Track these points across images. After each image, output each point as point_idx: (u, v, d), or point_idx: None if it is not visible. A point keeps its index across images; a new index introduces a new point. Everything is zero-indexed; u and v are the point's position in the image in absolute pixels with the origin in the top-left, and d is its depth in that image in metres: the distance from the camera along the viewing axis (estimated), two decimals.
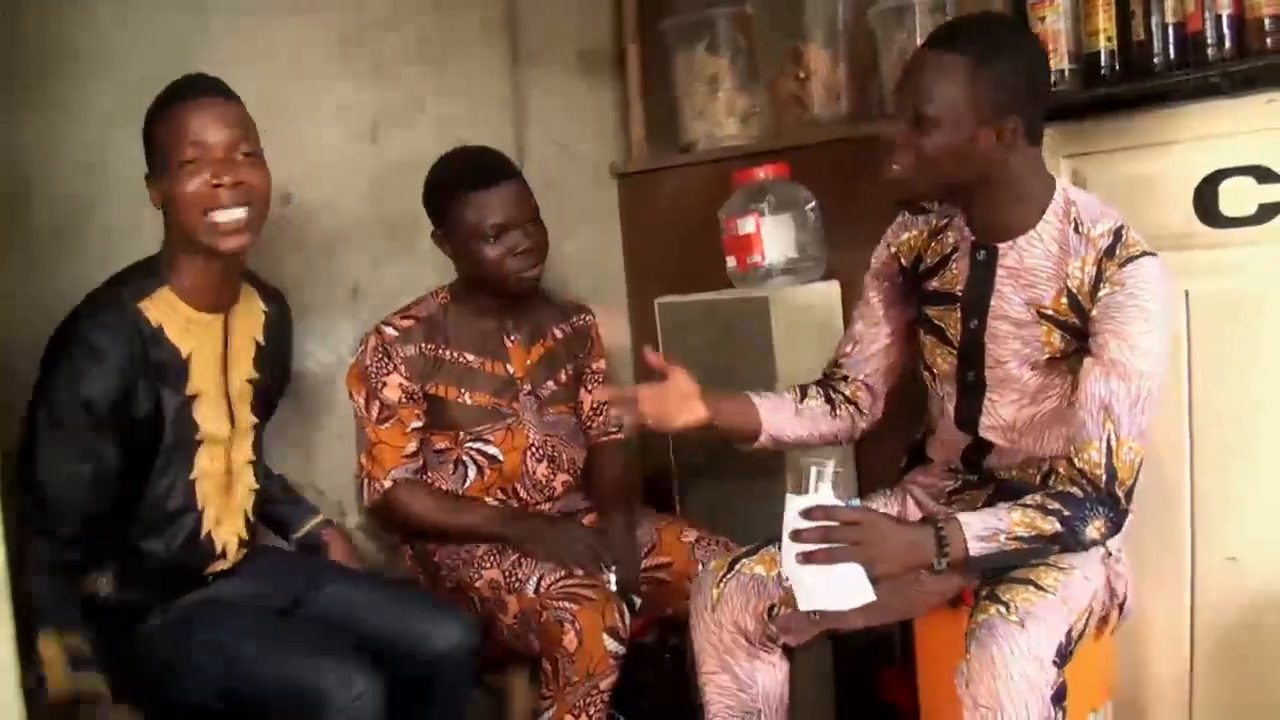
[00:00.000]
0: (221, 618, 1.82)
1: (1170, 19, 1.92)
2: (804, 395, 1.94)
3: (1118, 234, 1.63)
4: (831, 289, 2.49)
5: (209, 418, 1.85)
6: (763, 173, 2.45)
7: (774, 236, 2.43)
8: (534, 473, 2.23)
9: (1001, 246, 1.72)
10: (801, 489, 1.55)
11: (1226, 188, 1.86)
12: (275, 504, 2.15)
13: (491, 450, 2.19)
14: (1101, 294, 1.61)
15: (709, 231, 2.55)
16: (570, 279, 2.78)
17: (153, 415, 1.78)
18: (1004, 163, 1.64)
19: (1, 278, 2.06)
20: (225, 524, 1.91)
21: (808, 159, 2.50)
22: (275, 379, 2.06)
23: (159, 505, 1.82)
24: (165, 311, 1.80)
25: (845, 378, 1.96)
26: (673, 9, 2.88)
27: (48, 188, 2.16)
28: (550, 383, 2.28)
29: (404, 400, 2.12)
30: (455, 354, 2.18)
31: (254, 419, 1.96)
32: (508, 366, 2.23)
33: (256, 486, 1.99)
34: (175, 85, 1.80)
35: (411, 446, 2.15)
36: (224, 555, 1.91)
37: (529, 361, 2.26)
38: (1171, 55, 1.93)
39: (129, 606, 1.81)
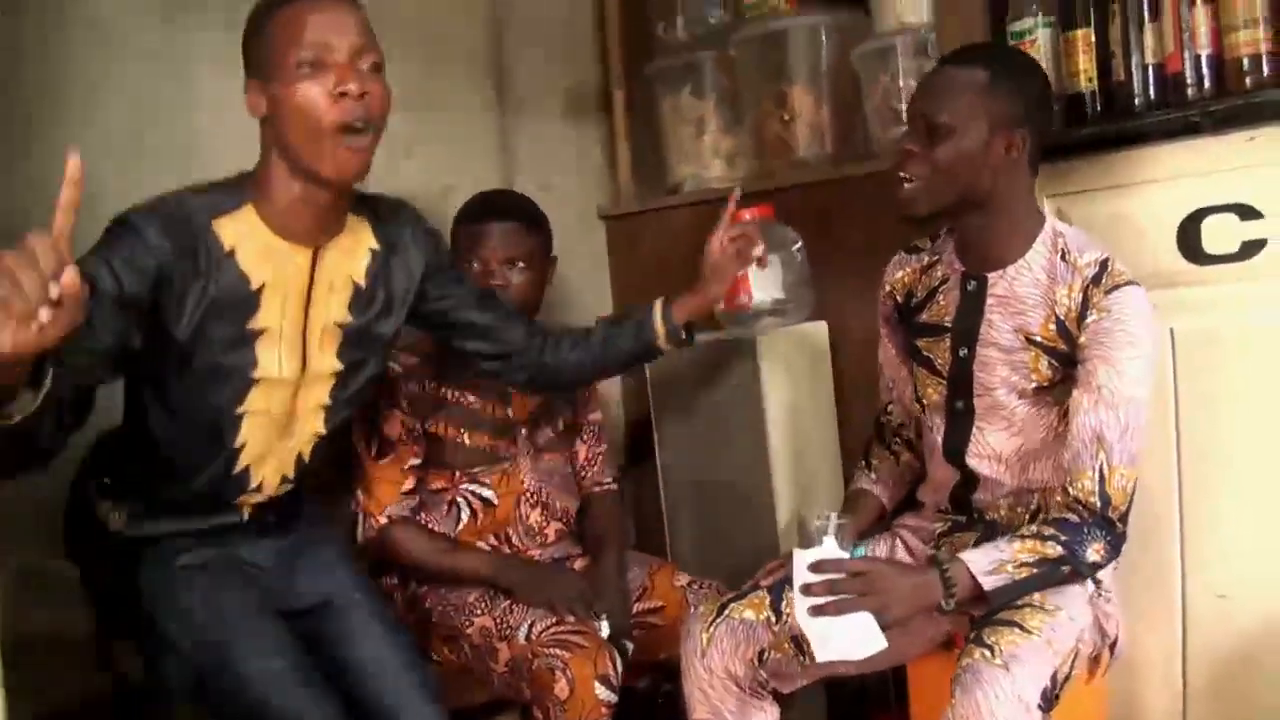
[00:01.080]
0: (220, 598, 1.71)
1: (1150, 60, 1.95)
2: (870, 466, 2.03)
3: (1104, 264, 1.67)
4: (820, 330, 2.50)
5: (272, 358, 1.66)
6: (749, 214, 2.45)
7: (761, 278, 2.43)
8: (527, 518, 2.22)
9: (991, 276, 1.75)
10: (807, 543, 1.58)
11: (1209, 225, 1.87)
12: (614, 348, 2.02)
13: (486, 493, 2.18)
14: (1089, 320, 1.64)
15: (697, 273, 2.55)
16: (560, 319, 2.78)
17: (189, 341, 1.58)
18: (1007, 181, 1.68)
19: None
20: (269, 461, 1.76)
21: (794, 200, 2.51)
22: (381, 325, 1.80)
23: (190, 433, 1.68)
24: (243, 233, 1.61)
25: (901, 424, 2.01)
26: (657, 53, 2.91)
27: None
28: (548, 429, 2.28)
29: (404, 437, 2.12)
30: (457, 393, 2.18)
31: (337, 364, 1.75)
32: (508, 409, 2.23)
33: (323, 431, 1.81)
34: None
35: (409, 484, 2.14)
36: (260, 489, 1.78)
37: (529, 406, 2.26)
38: (1152, 95, 1.96)
39: (142, 539, 1.72)
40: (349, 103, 1.54)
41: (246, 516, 1.81)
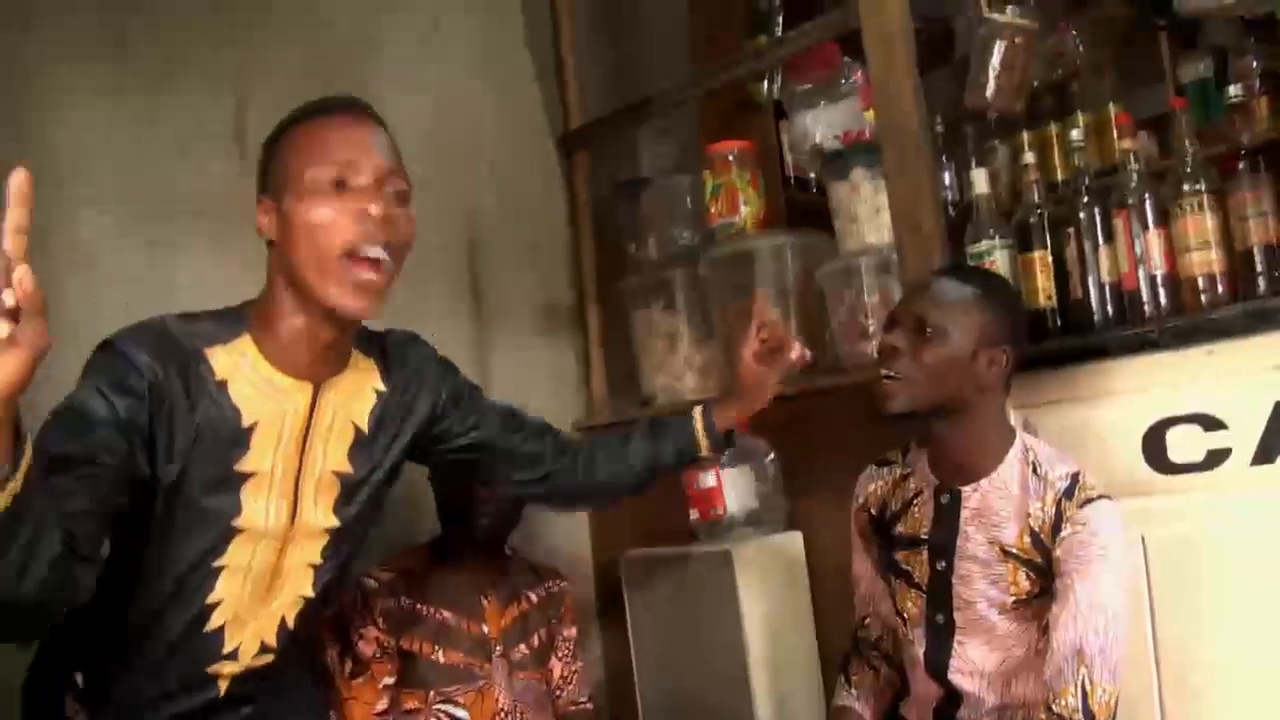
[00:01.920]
0: None
1: (1106, 278, 2.03)
2: (850, 682, 1.98)
3: (1075, 478, 1.69)
4: (794, 540, 2.50)
5: (258, 507, 1.50)
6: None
7: (734, 488, 2.45)
8: None
9: (965, 489, 1.76)
10: None
11: (1174, 435, 1.91)
12: (649, 456, 1.89)
13: (460, 714, 2.14)
14: (1063, 534, 1.66)
15: (672, 484, 2.56)
16: (534, 533, 2.76)
17: (173, 482, 1.43)
18: (984, 395, 1.72)
19: None
20: (247, 625, 1.56)
21: (765, 412, 2.53)
22: (382, 476, 1.66)
23: (158, 586, 1.48)
24: (238, 364, 1.47)
25: (879, 637, 1.99)
26: (630, 271, 3.00)
27: None
28: (523, 646, 2.26)
29: (379, 655, 2.09)
30: (433, 610, 2.17)
31: (333, 520, 1.58)
32: (483, 626, 2.21)
33: (311, 595, 1.61)
34: (314, 101, 1.51)
35: (382, 704, 2.10)
36: (235, 657, 1.57)
37: (503, 623, 2.24)
38: (1110, 312, 2.04)
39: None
40: (368, 226, 1.41)
41: (222, 693, 1.59)
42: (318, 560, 1.60)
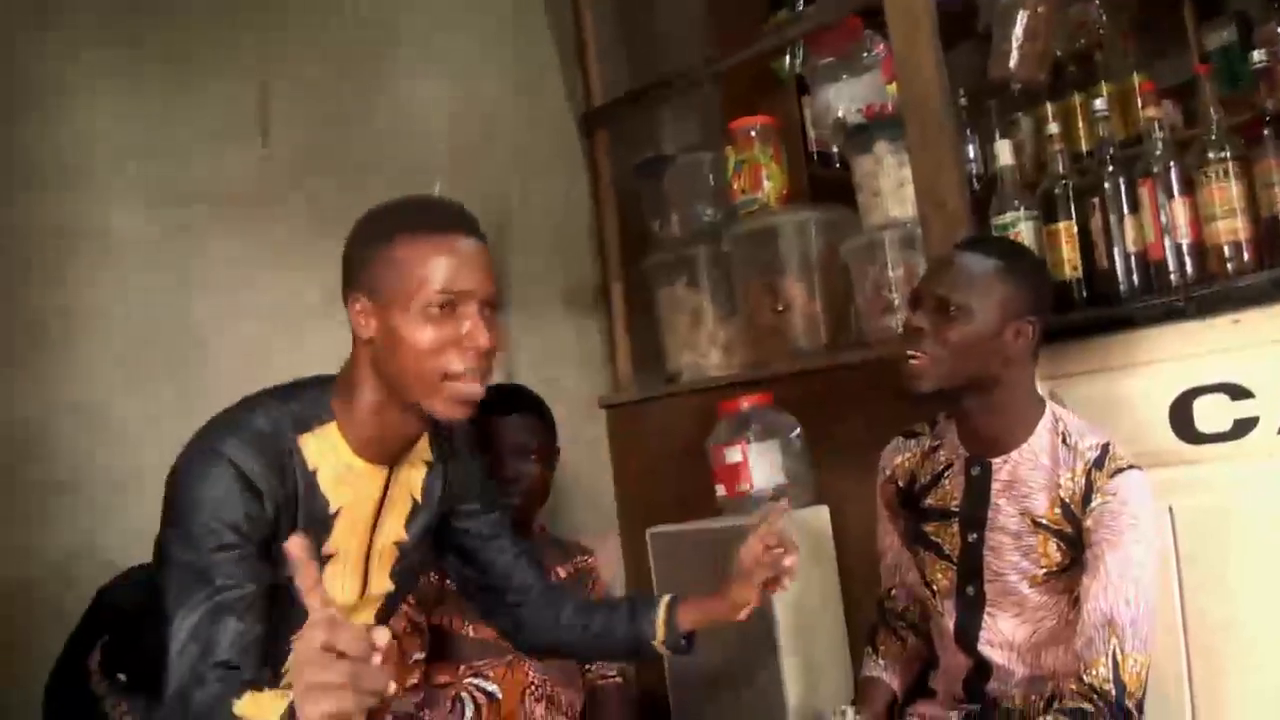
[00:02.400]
0: None
1: (1132, 248, 2.03)
2: (877, 652, 1.99)
3: (1105, 448, 1.69)
4: (821, 514, 2.50)
5: (337, 584, 1.54)
6: (746, 402, 2.50)
7: (761, 464, 2.46)
8: (532, 713, 2.19)
9: (995, 461, 1.77)
10: None
11: (1201, 405, 1.90)
12: (608, 636, 1.81)
13: (490, 687, 2.16)
14: (1093, 504, 1.66)
15: (698, 459, 2.58)
16: (562, 510, 2.79)
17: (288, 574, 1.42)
18: (1012, 368, 1.71)
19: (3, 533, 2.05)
20: None
21: (790, 387, 2.56)
22: (428, 544, 1.70)
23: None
24: (325, 453, 1.50)
25: (905, 608, 2.00)
26: (653, 249, 3.01)
27: (45, 444, 2.16)
28: None
29: (409, 629, 2.11)
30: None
31: (389, 586, 1.63)
32: None
33: None
34: (423, 205, 1.52)
35: (413, 679, 2.12)
36: None
37: None
38: (1136, 282, 2.03)
39: None
40: (475, 356, 1.45)
41: None
42: (371, 621, 1.63)
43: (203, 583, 1.36)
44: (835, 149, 2.97)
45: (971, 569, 1.79)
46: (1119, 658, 1.59)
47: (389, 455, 1.56)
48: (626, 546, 2.99)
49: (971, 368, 1.71)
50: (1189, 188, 1.97)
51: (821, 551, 2.46)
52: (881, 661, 1.97)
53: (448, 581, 2.17)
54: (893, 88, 2.57)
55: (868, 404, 2.28)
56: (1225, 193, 1.92)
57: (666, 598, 1.81)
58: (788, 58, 2.96)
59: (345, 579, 1.56)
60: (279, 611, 1.45)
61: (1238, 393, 1.86)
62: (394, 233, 1.47)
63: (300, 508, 1.47)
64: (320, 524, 1.50)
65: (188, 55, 2.40)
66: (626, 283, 3.11)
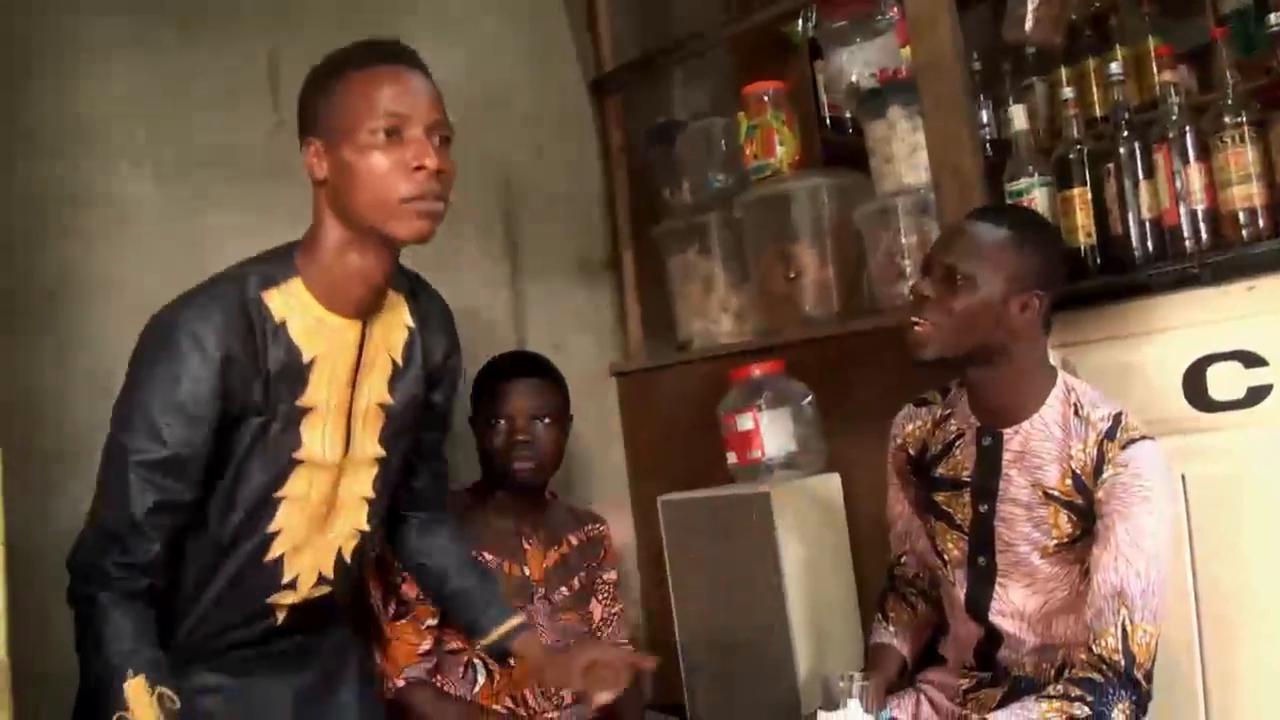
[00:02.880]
0: None
1: (1146, 215, 2.01)
2: (887, 619, 1.99)
3: (1117, 418, 1.68)
4: (832, 481, 2.51)
5: (316, 439, 1.60)
6: (758, 369, 2.50)
7: (772, 431, 2.46)
8: (542, 680, 2.19)
9: (1006, 432, 1.76)
10: (831, 704, 1.57)
11: (1214, 373, 1.90)
12: (462, 596, 1.91)
13: None
14: (1105, 476, 1.65)
15: (709, 427, 2.59)
16: (573, 478, 2.80)
17: (261, 411, 1.54)
18: (1020, 339, 1.70)
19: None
20: (306, 555, 1.67)
21: (802, 354, 2.56)
22: (414, 411, 1.76)
23: (226, 516, 1.59)
24: (293, 306, 1.56)
25: (915, 575, 2.01)
26: (664, 216, 3.00)
27: (58, 412, 2.16)
28: (564, 588, 2.29)
29: (421, 596, 2.12)
30: (475, 552, 2.19)
31: (380, 450, 1.70)
32: (524, 569, 2.24)
33: (365, 528, 1.73)
34: (368, 44, 1.57)
35: (426, 645, 2.13)
36: (295, 587, 1.68)
37: (545, 565, 2.27)
38: (1150, 248, 2.01)
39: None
40: (424, 177, 1.49)
41: (280, 621, 1.70)
42: (369, 493, 1.71)
43: (141, 447, 1.49)
44: (848, 114, 2.94)
45: (983, 540, 1.79)
46: (1128, 628, 1.59)
47: (357, 306, 1.60)
48: (638, 514, 3.00)
49: (975, 338, 1.69)
50: (1204, 153, 1.95)
51: (833, 520, 2.46)
52: (892, 628, 1.98)
53: None
54: (906, 52, 2.54)
55: (880, 371, 2.28)
56: (1241, 158, 1.90)
57: (518, 621, 1.89)
58: (800, 21, 2.94)
59: (328, 436, 1.62)
60: (241, 458, 1.56)
61: (1252, 360, 1.85)
62: (337, 72, 1.54)
63: (270, 358, 1.53)
64: (295, 374, 1.56)
65: (199, 20, 2.39)
66: (637, 250, 3.10)
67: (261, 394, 1.54)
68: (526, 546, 2.26)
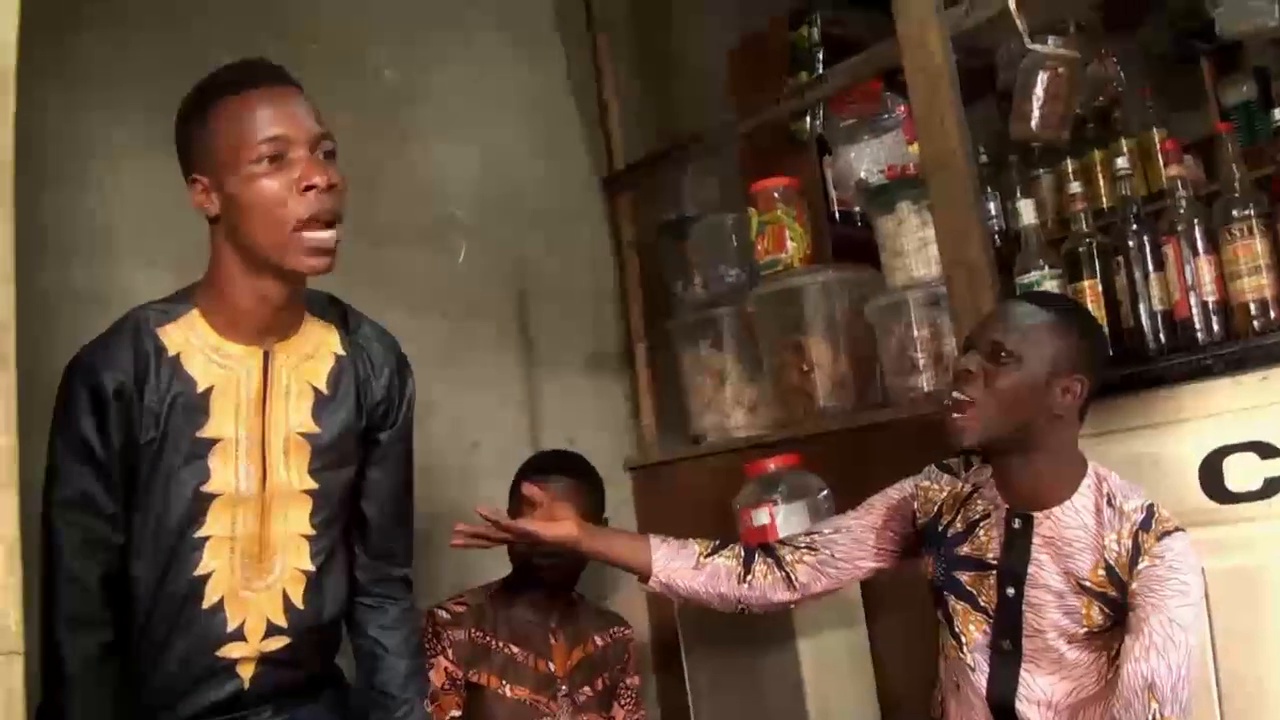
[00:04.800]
0: None
1: (1158, 307, 2.02)
2: (714, 551, 1.95)
3: (1150, 510, 1.68)
4: None
5: (227, 471, 1.55)
6: (774, 463, 2.49)
7: (789, 526, 2.44)
8: None
9: (1037, 515, 1.73)
10: None
11: (1230, 464, 1.88)
12: (377, 673, 1.77)
13: None
14: (1141, 567, 1.64)
15: (724, 521, 2.57)
16: (587, 573, 2.76)
17: (154, 452, 1.52)
18: (1058, 425, 1.69)
19: None
20: (248, 601, 1.59)
21: (818, 447, 2.55)
22: (351, 444, 1.68)
23: (155, 562, 1.54)
24: (188, 338, 1.54)
25: (801, 547, 1.95)
26: (676, 310, 3.02)
27: None
28: (587, 688, 2.28)
29: (447, 686, 2.12)
30: (501, 643, 2.20)
31: (309, 482, 1.62)
32: (549, 664, 2.25)
33: (310, 568, 1.63)
34: (229, 71, 1.53)
35: None
36: (241, 636, 1.58)
37: (570, 663, 2.27)
38: (1163, 339, 2.02)
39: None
40: (317, 196, 1.46)
41: (246, 684, 1.61)
42: (307, 529, 1.63)
43: (56, 491, 1.49)
44: (857, 209, 2.98)
45: (1009, 624, 1.75)
46: None
47: (257, 333, 1.57)
48: (653, 611, 2.97)
49: (1017, 419, 1.68)
50: (1213, 245, 1.97)
51: (852, 618, 2.43)
52: (692, 549, 1.94)
53: (487, 638, 2.18)
54: (914, 148, 2.58)
55: (895, 464, 2.27)
56: (1250, 250, 1.92)
57: None
58: (808, 119, 2.99)
59: (239, 466, 1.56)
60: (145, 489, 1.53)
61: (1268, 451, 1.84)
62: (207, 103, 1.50)
63: (165, 391, 1.51)
64: (192, 405, 1.53)
65: None
66: (650, 344, 3.12)
67: (154, 426, 1.51)
68: (553, 642, 2.27)
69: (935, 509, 1.88)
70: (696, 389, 2.96)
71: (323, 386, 1.64)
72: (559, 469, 2.30)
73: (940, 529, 1.86)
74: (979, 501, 1.83)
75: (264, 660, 1.62)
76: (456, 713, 2.12)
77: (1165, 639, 1.58)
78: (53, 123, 2.22)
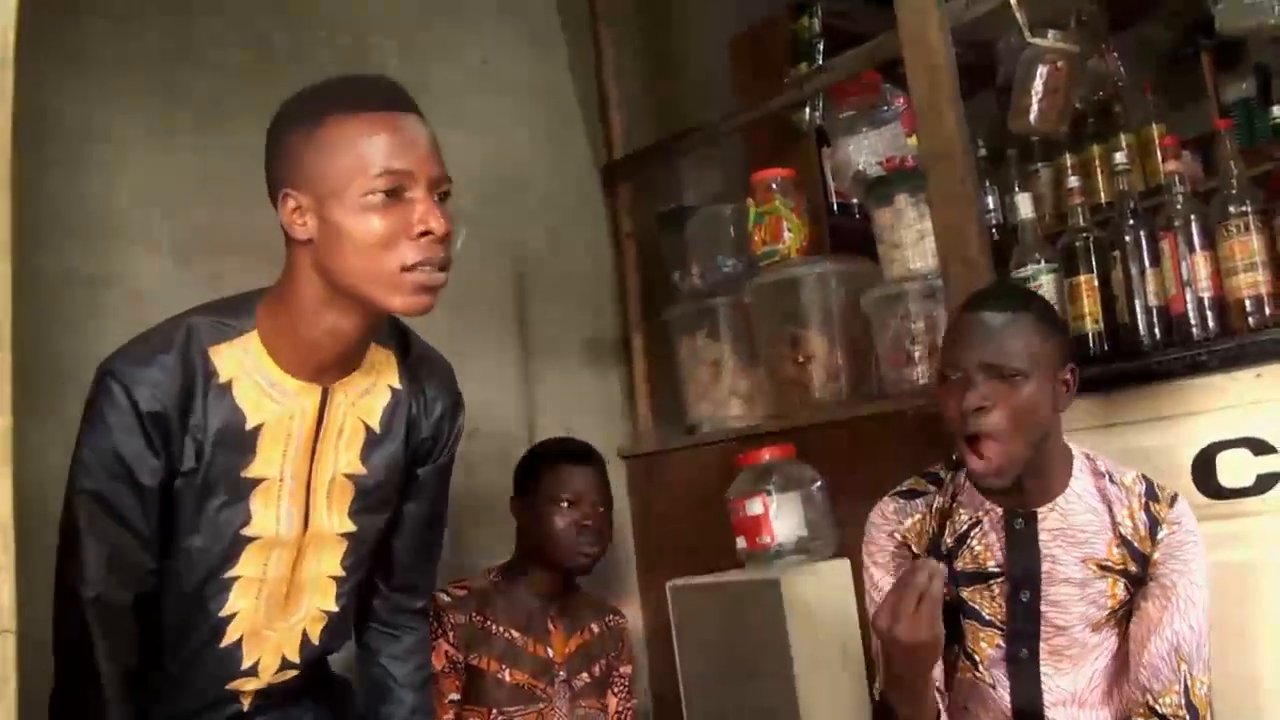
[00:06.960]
0: None
1: (1154, 302, 2.03)
2: None
3: (1146, 479, 1.70)
4: (843, 567, 2.49)
5: (269, 515, 1.43)
6: (768, 454, 2.50)
7: (782, 516, 2.45)
8: None
9: (1040, 511, 1.70)
10: None
11: (1223, 460, 1.89)
12: (384, 703, 1.70)
13: None
14: (1162, 535, 1.66)
15: (718, 511, 2.58)
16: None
17: (195, 478, 1.38)
18: (1057, 420, 1.69)
19: None
20: (267, 640, 1.51)
21: (812, 439, 2.56)
22: (395, 481, 1.56)
23: (175, 598, 1.44)
24: (242, 364, 1.39)
25: None
26: (674, 300, 3.02)
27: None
28: (584, 674, 2.30)
29: (447, 669, 2.13)
30: (502, 628, 2.21)
31: (348, 525, 1.50)
32: (548, 649, 2.26)
33: (334, 609, 1.55)
34: (347, 85, 1.38)
35: (447, 719, 2.13)
36: (255, 673, 1.52)
37: (568, 649, 2.29)
38: (1158, 335, 2.03)
39: None
40: (429, 243, 1.32)
41: (246, 707, 1.56)
42: (338, 572, 1.54)
43: (95, 508, 1.35)
44: (855, 201, 2.98)
45: (1024, 630, 1.71)
46: (1189, 682, 1.59)
47: (320, 370, 1.43)
48: (645, 599, 2.98)
49: (1038, 433, 1.62)
50: (1210, 241, 1.98)
51: (844, 607, 2.44)
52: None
53: (488, 622, 2.20)
54: (913, 140, 2.58)
55: (890, 456, 2.28)
56: (1246, 247, 1.92)
57: None
58: (807, 110, 2.99)
59: (283, 511, 1.44)
60: (183, 528, 1.41)
61: (1260, 447, 1.85)
62: (323, 114, 1.34)
63: (208, 420, 1.37)
64: (238, 441, 1.39)
65: (219, 106, 2.43)
66: (647, 333, 3.12)
67: (194, 459, 1.37)
68: (552, 628, 2.29)
69: (928, 533, 1.80)
70: (692, 378, 2.97)
71: (375, 425, 1.51)
72: (588, 457, 2.34)
73: (944, 551, 1.77)
74: (961, 511, 1.77)
75: (269, 688, 1.58)
76: (455, 695, 2.14)
77: (1186, 600, 1.61)
78: (54, 105, 2.22)
